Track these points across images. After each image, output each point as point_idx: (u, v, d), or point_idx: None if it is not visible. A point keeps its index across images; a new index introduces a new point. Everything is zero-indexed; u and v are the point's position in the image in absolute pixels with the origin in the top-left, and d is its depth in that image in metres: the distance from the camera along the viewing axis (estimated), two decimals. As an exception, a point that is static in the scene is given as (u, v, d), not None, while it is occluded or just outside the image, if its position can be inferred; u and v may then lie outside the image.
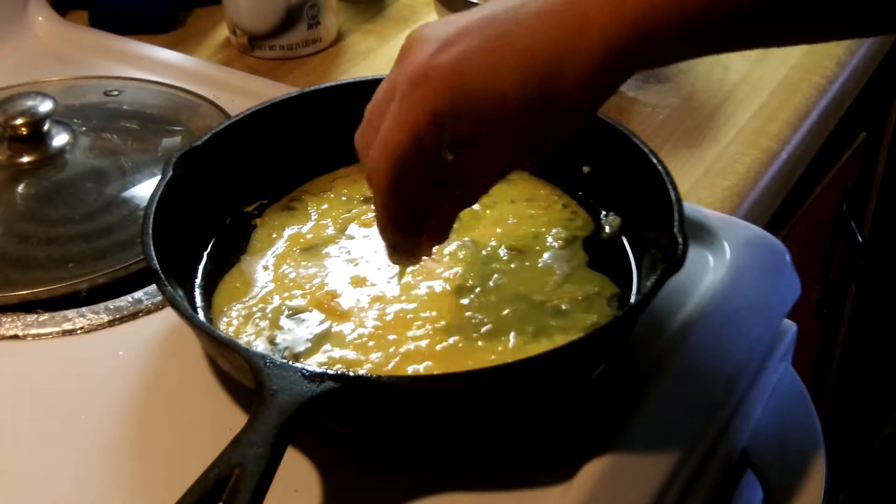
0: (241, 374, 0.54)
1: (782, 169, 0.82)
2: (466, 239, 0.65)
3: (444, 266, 0.63)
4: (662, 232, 0.58)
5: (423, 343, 0.58)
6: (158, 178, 0.64)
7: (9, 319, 0.65)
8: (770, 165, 0.81)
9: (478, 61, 0.49)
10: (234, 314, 0.61)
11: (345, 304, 0.61)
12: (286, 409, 0.48)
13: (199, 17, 1.03)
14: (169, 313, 0.63)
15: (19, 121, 0.76)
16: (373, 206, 0.54)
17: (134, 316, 0.65)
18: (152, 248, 0.58)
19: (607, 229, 0.66)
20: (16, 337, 0.64)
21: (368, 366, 0.57)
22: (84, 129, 0.80)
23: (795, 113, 0.86)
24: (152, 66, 0.91)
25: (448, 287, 0.62)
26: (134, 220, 0.71)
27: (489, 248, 0.65)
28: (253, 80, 0.88)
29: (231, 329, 0.60)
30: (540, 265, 0.63)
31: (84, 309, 0.65)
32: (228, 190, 0.68)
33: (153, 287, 0.66)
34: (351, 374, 0.52)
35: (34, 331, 0.64)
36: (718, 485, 0.62)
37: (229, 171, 0.68)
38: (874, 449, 1.61)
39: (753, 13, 0.48)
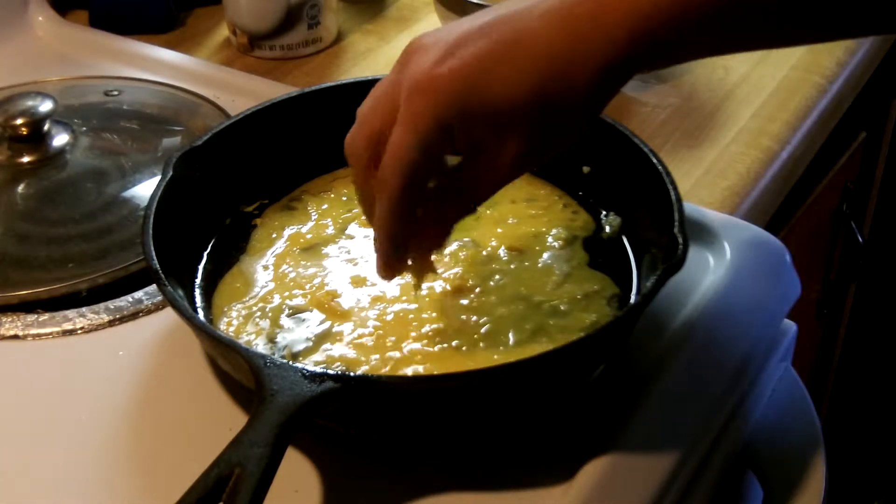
0: (241, 374, 0.54)
1: (782, 169, 0.82)
2: (467, 239, 0.65)
3: (444, 266, 0.63)
4: (662, 232, 0.58)
5: (423, 343, 0.58)
6: (158, 178, 0.64)
7: (9, 319, 0.65)
8: (770, 165, 0.81)
9: (484, 67, 0.49)
10: (234, 314, 0.61)
11: (345, 304, 0.61)
12: (286, 410, 0.48)
13: (199, 17, 1.03)
14: (169, 313, 0.63)
15: (19, 121, 0.76)
16: (374, 214, 0.54)
17: (134, 316, 0.65)
18: (152, 248, 0.58)
19: (607, 229, 0.66)
20: (16, 337, 0.64)
21: (368, 366, 0.57)
22: (84, 129, 0.80)
23: (795, 113, 0.86)
24: (152, 66, 0.91)
25: (448, 287, 0.62)
26: (134, 220, 0.71)
27: (489, 248, 0.65)
28: (253, 80, 0.88)
29: (231, 329, 0.60)
30: (540, 265, 0.63)
31: (84, 309, 0.65)
32: (228, 190, 0.68)
33: (153, 287, 0.66)
34: (351, 374, 0.52)
35: (34, 331, 0.64)
36: (718, 485, 0.62)
37: (229, 171, 0.68)
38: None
39: (756, 13, 0.48)
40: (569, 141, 0.52)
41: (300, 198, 0.70)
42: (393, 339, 0.58)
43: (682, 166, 0.80)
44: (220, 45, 0.99)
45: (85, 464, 0.56)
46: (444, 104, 0.49)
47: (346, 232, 0.67)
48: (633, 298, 0.61)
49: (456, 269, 0.63)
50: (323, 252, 0.65)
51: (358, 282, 0.63)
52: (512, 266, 0.63)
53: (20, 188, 0.75)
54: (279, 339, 0.59)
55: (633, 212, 0.65)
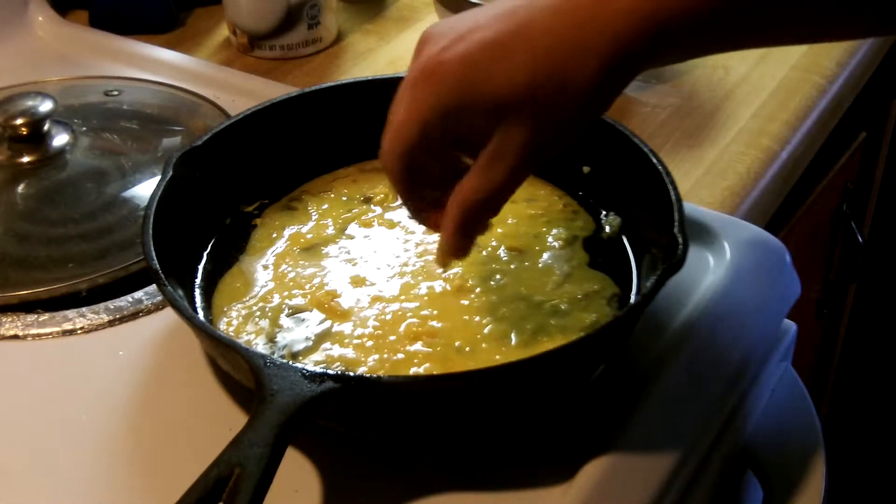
0: (241, 374, 0.54)
1: (782, 169, 0.82)
2: (466, 239, 0.65)
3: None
4: (662, 232, 0.58)
5: (423, 343, 0.58)
6: (158, 178, 0.64)
7: (9, 319, 0.65)
8: (770, 165, 0.81)
9: (488, 55, 0.50)
10: (234, 314, 0.61)
11: (345, 304, 0.61)
12: (286, 410, 0.48)
13: (199, 17, 1.03)
14: (169, 313, 0.63)
15: (19, 121, 0.76)
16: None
17: (134, 316, 0.65)
18: (152, 248, 0.58)
19: (607, 229, 0.66)
20: (16, 337, 0.64)
21: (368, 365, 0.57)
22: (84, 129, 0.80)
23: (795, 113, 0.86)
24: (152, 66, 0.91)
25: (448, 287, 0.62)
26: (134, 220, 0.71)
27: (489, 248, 0.65)
28: (253, 80, 0.88)
29: (231, 329, 0.60)
30: (540, 265, 0.63)
31: (84, 309, 0.65)
32: (228, 190, 0.68)
33: (153, 287, 0.66)
34: (351, 374, 0.52)
35: (34, 331, 0.64)
36: (718, 485, 0.62)
37: (229, 171, 0.68)
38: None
39: (760, 8, 0.48)
40: (566, 137, 0.52)
41: (300, 198, 0.70)
42: (393, 338, 0.58)
43: (682, 166, 0.80)
44: (220, 45, 0.99)
45: (85, 464, 0.56)
46: (446, 90, 0.50)
47: (346, 232, 0.67)
48: (633, 298, 0.61)
49: (456, 269, 0.63)
50: (323, 252, 0.65)
51: (358, 282, 0.63)
52: (512, 266, 0.63)
53: (20, 188, 0.75)
54: (279, 338, 0.59)
55: (633, 212, 0.65)
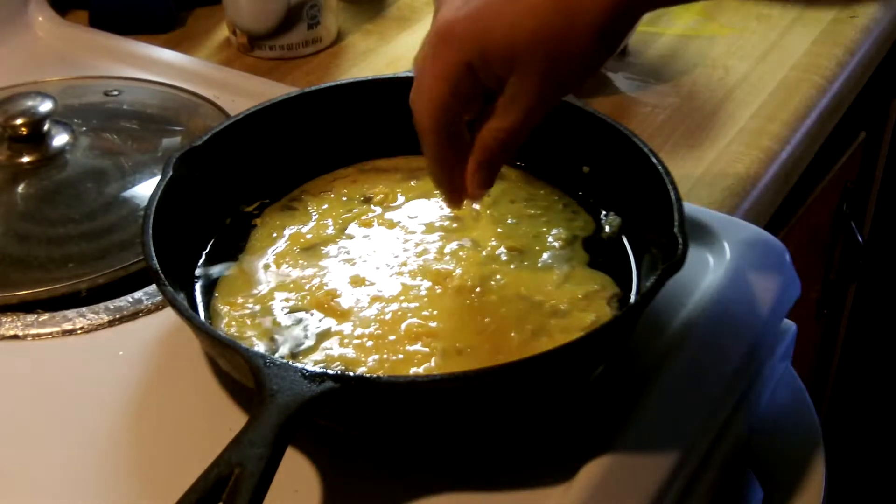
0: (241, 374, 0.54)
1: (782, 169, 0.82)
2: (466, 239, 0.65)
3: (444, 266, 0.63)
4: (662, 232, 0.58)
5: (423, 343, 0.58)
6: (158, 178, 0.64)
7: (9, 319, 0.65)
8: (770, 165, 0.81)
9: (496, 6, 0.53)
10: (234, 314, 0.61)
11: (344, 304, 0.61)
12: (286, 409, 0.48)
13: (199, 17, 1.03)
14: (169, 313, 0.63)
15: (19, 121, 0.76)
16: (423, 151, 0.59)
17: (134, 316, 0.65)
18: (152, 249, 0.58)
19: (607, 229, 0.66)
20: (16, 337, 0.64)
21: (368, 365, 0.57)
22: (84, 129, 0.80)
23: (795, 113, 0.86)
24: (152, 66, 0.91)
25: (448, 287, 0.62)
26: (134, 220, 0.71)
27: (489, 248, 0.65)
28: (253, 80, 0.88)
29: (231, 329, 0.60)
30: (540, 265, 0.63)
31: (84, 309, 0.65)
32: (228, 190, 0.68)
33: (153, 287, 0.66)
34: (351, 374, 0.52)
35: (34, 331, 0.64)
36: (718, 484, 0.62)
37: (229, 171, 0.68)
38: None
39: None
40: (578, 76, 0.55)
41: (300, 198, 0.70)
42: (393, 338, 0.58)
43: (682, 166, 0.80)
44: (220, 45, 0.99)
45: (85, 464, 0.56)
46: (465, 47, 0.54)
47: (346, 232, 0.67)
48: (633, 298, 0.61)
49: (456, 270, 0.63)
50: (323, 252, 0.65)
51: (358, 282, 0.63)
52: (512, 266, 0.63)
53: (20, 188, 0.75)
54: (279, 338, 0.59)
55: (633, 212, 0.65)
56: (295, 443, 0.52)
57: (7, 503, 0.55)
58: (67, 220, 0.72)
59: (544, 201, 0.69)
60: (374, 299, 0.61)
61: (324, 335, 0.59)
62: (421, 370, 0.56)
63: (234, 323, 0.61)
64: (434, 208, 0.68)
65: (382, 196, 0.70)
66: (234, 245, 0.67)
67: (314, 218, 0.68)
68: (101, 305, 0.66)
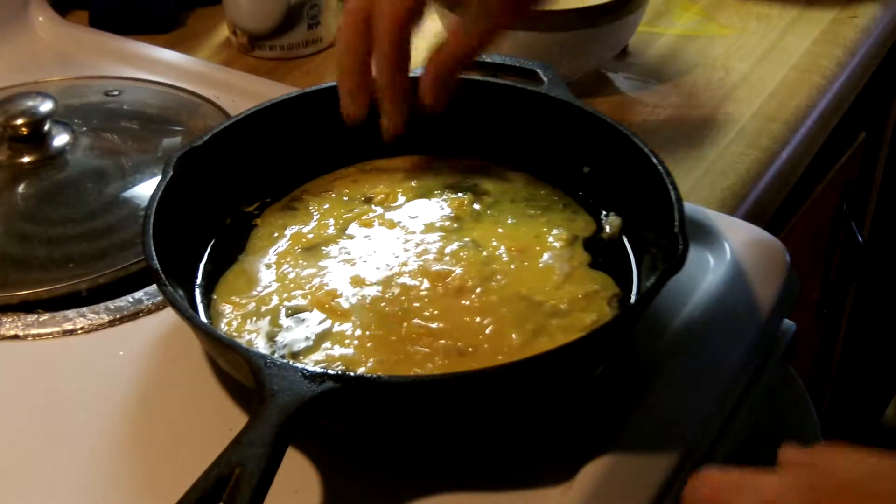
0: (241, 374, 0.54)
1: (782, 169, 0.82)
2: (467, 239, 0.65)
3: (444, 266, 0.63)
4: (663, 232, 0.58)
5: (424, 343, 0.58)
6: (158, 178, 0.64)
7: (9, 319, 0.65)
8: (770, 165, 0.81)
9: None
10: (234, 314, 0.61)
11: (345, 304, 0.61)
12: (286, 410, 0.48)
13: (199, 17, 1.02)
14: (169, 313, 0.63)
15: (20, 121, 0.76)
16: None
17: (134, 316, 0.65)
18: (153, 249, 0.58)
19: (608, 229, 0.66)
20: (16, 337, 0.64)
21: (368, 366, 0.57)
22: (84, 129, 0.80)
23: (795, 113, 0.86)
24: (152, 66, 0.91)
25: (449, 288, 0.62)
26: (134, 220, 0.71)
27: (490, 249, 0.65)
28: (253, 80, 0.88)
29: (231, 329, 0.60)
30: (540, 265, 0.63)
31: (84, 309, 0.65)
32: (228, 190, 0.68)
33: (153, 287, 0.66)
34: (351, 374, 0.52)
35: (34, 331, 0.64)
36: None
37: (229, 171, 0.68)
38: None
39: None
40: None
41: (301, 198, 0.70)
42: (393, 338, 0.58)
43: (682, 166, 0.80)
44: (220, 45, 0.99)
45: (85, 464, 0.56)
46: None
47: (347, 232, 0.67)
48: (633, 298, 0.61)
49: (457, 270, 0.63)
50: (323, 252, 0.65)
51: (358, 282, 0.63)
52: (512, 266, 0.63)
53: (20, 188, 0.75)
54: (279, 338, 0.59)
55: (633, 212, 0.65)
56: (295, 443, 0.52)
57: (7, 503, 0.55)
58: (68, 220, 0.72)
59: (544, 201, 0.69)
60: (375, 299, 0.61)
61: (324, 335, 0.59)
62: (421, 370, 0.56)
63: (234, 323, 0.61)
64: (435, 208, 0.68)
65: (383, 196, 0.70)
66: (234, 245, 0.67)
67: (315, 218, 0.68)
68: (102, 305, 0.66)
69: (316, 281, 0.63)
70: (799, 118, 0.86)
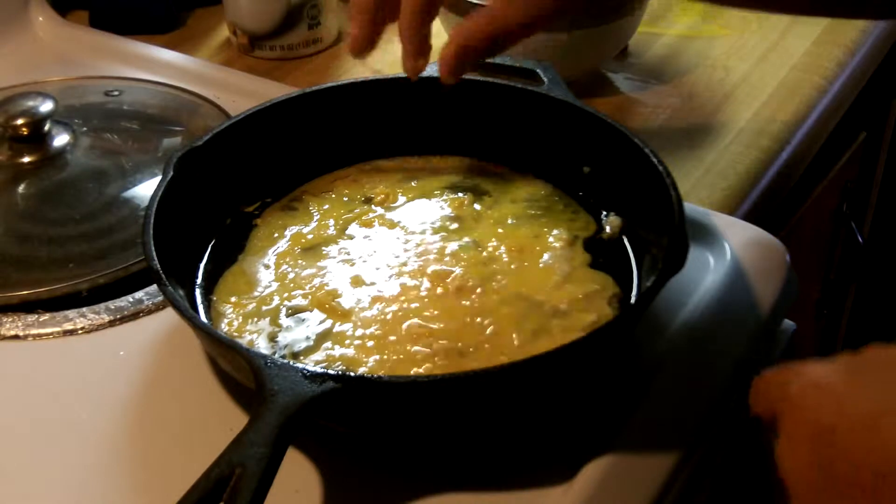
0: (242, 374, 0.54)
1: (782, 169, 0.82)
2: (467, 239, 0.65)
3: (445, 266, 0.63)
4: (663, 232, 0.58)
5: (424, 344, 0.58)
6: (159, 178, 0.64)
7: (9, 319, 0.65)
8: (770, 165, 0.81)
9: None
10: (234, 314, 0.61)
11: (345, 304, 0.61)
12: (287, 410, 0.48)
13: (200, 17, 1.02)
14: (169, 313, 0.63)
15: (20, 121, 0.76)
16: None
17: (134, 316, 0.65)
18: (153, 249, 0.58)
19: (608, 229, 0.66)
20: (16, 337, 0.64)
21: (369, 365, 0.57)
22: (84, 129, 0.80)
23: (795, 113, 0.86)
24: (152, 66, 0.91)
25: (449, 288, 0.62)
26: (134, 220, 0.71)
27: (490, 249, 0.65)
28: (253, 80, 0.88)
29: (231, 329, 0.60)
30: (541, 265, 0.63)
31: (85, 309, 0.65)
32: (228, 190, 0.68)
33: (154, 287, 0.66)
34: (352, 374, 0.52)
35: (35, 331, 0.64)
36: (719, 485, 0.62)
37: (229, 171, 0.68)
38: None
39: None
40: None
41: (301, 198, 0.70)
42: (393, 339, 0.58)
43: (682, 166, 0.80)
44: (220, 46, 0.99)
45: (85, 464, 0.56)
46: None
47: (347, 232, 0.67)
48: (633, 299, 0.61)
49: (457, 270, 0.63)
50: (324, 252, 0.65)
51: (358, 282, 0.63)
52: (512, 266, 0.63)
53: (20, 188, 0.75)
54: (280, 338, 0.59)
55: (634, 212, 0.65)
56: (295, 443, 0.52)
57: (7, 503, 0.55)
58: (68, 220, 0.72)
59: (545, 202, 0.69)
60: (375, 299, 0.61)
61: (325, 335, 0.59)
62: (422, 370, 0.56)
63: (234, 323, 0.61)
64: (435, 208, 0.68)
65: (383, 196, 0.70)
66: (234, 245, 0.67)
67: (315, 218, 0.68)
68: (102, 305, 0.66)
69: (316, 281, 0.63)
70: (799, 118, 0.86)
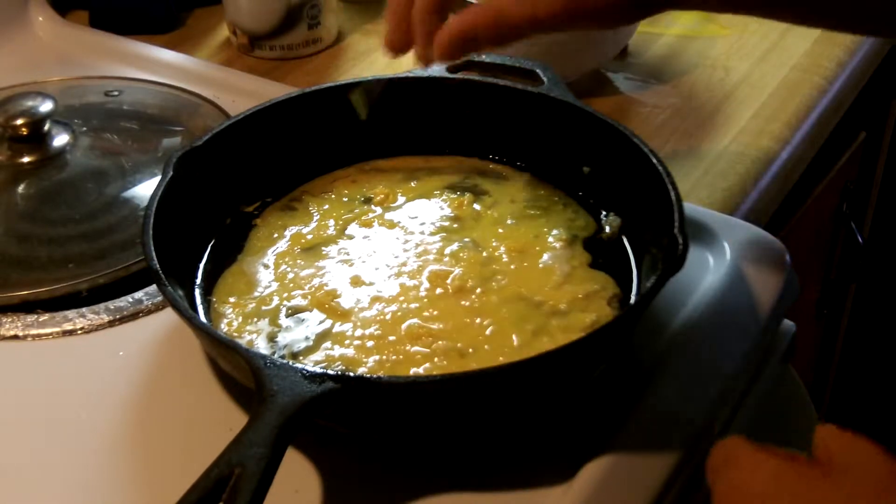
0: (241, 374, 0.54)
1: (782, 169, 0.82)
2: (467, 239, 0.65)
3: (444, 266, 0.63)
4: (663, 232, 0.58)
5: (424, 344, 0.58)
6: (158, 178, 0.64)
7: (9, 320, 0.65)
8: (770, 165, 0.81)
9: None
10: (234, 314, 0.61)
11: (345, 305, 0.61)
12: (286, 410, 0.48)
13: (199, 17, 1.03)
14: (169, 313, 0.63)
15: (20, 121, 0.76)
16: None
17: (134, 316, 0.65)
18: (153, 249, 0.58)
19: (607, 229, 0.66)
20: (16, 337, 0.64)
21: (369, 366, 0.57)
22: (84, 129, 0.80)
23: (795, 113, 0.86)
24: (152, 66, 0.91)
25: (449, 288, 0.62)
26: (134, 220, 0.71)
27: (490, 249, 0.65)
28: (253, 80, 0.88)
29: (231, 329, 0.60)
30: (540, 266, 0.63)
31: (84, 309, 0.65)
32: (228, 190, 0.68)
33: (153, 287, 0.66)
34: (351, 374, 0.52)
35: (34, 331, 0.64)
36: (718, 485, 0.62)
37: (229, 171, 0.68)
38: None
39: None
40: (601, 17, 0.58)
41: (300, 198, 0.70)
42: (393, 339, 0.58)
43: (682, 166, 0.80)
44: (220, 46, 0.99)
45: (85, 464, 0.56)
46: None
47: (347, 232, 0.67)
48: (633, 299, 0.61)
49: (457, 270, 0.63)
50: (323, 252, 0.65)
51: (358, 282, 0.63)
52: (512, 266, 0.63)
53: (20, 188, 0.75)
54: (279, 338, 0.59)
55: (633, 212, 0.65)
56: (295, 443, 0.52)
57: (7, 503, 0.55)
58: (68, 220, 0.72)
59: (544, 202, 0.69)
60: (375, 300, 0.61)
61: (324, 335, 0.59)
62: (421, 371, 0.56)
63: (234, 323, 0.61)
64: (435, 209, 0.68)
65: (383, 196, 0.70)
66: (234, 245, 0.67)
67: (315, 218, 0.68)
68: (102, 306, 0.66)
69: (316, 281, 0.63)
70: (799, 118, 0.86)
